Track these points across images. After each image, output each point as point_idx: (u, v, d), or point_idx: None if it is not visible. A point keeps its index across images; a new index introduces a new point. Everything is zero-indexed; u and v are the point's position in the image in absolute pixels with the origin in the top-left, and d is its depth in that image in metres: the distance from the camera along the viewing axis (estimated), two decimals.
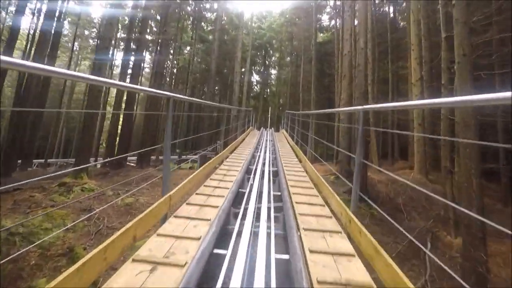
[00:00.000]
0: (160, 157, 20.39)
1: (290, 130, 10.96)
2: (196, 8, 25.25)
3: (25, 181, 1.31)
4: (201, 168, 4.11)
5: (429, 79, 10.58)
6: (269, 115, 25.06)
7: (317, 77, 22.30)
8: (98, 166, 15.34)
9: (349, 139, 9.15)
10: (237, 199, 3.22)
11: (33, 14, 19.48)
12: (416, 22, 10.28)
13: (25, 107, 13.67)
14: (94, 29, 27.93)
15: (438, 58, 9.70)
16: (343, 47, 10.13)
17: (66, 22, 24.72)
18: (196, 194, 3.39)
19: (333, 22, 27.75)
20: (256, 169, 4.60)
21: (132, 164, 16.31)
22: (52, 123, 26.31)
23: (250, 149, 6.71)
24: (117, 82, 2.15)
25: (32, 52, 16.06)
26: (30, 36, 18.44)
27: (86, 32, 30.05)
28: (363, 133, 2.63)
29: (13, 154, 10.87)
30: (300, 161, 5.75)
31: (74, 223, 3.92)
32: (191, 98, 4.36)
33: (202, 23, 26.70)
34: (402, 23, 21.83)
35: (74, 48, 27.81)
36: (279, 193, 3.35)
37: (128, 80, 18.05)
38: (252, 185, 3.69)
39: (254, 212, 2.59)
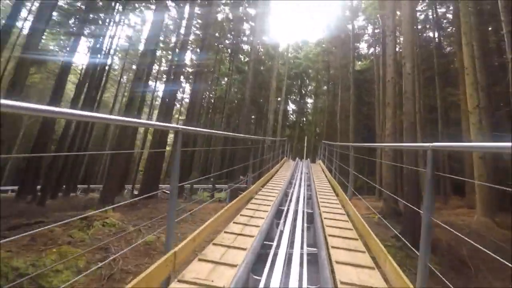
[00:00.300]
0: (196, 185, 20.36)
1: (327, 162, 10.16)
2: (234, 41, 26.20)
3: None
4: (222, 210, 3.59)
5: (487, 106, 9.34)
6: (305, 144, 24.29)
7: (356, 105, 21.40)
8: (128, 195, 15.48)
9: (395, 174, 8.11)
10: (261, 255, 2.60)
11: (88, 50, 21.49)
12: (470, 44, 9.30)
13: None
14: None
15: (497, 83, 8.56)
16: (386, 74, 9.42)
17: (116, 58, 26.94)
18: (213, 244, 2.84)
19: (371, 49, 27.08)
20: (288, 211, 3.96)
21: (167, 192, 16.28)
22: (97, 148, 27.99)
23: (282, 185, 6.09)
24: (117, 117, 1.75)
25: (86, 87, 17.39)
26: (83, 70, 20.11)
27: (134, 66, 32.54)
28: (433, 178, 1.91)
29: (50, 179, 11.31)
30: (340, 201, 4.98)
31: (86, 272, 3.53)
32: (205, 130, 3.88)
33: (240, 55, 27.53)
34: (448, 48, 20.52)
35: (122, 81, 29.97)
36: (314, 250, 2.66)
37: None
38: (281, 234, 3.04)
39: (280, 280, 1.95)
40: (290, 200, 4.68)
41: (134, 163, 28.29)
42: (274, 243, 2.78)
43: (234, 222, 3.48)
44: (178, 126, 2.16)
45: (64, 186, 16.77)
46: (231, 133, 7.65)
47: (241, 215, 3.87)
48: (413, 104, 6.48)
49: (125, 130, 8.26)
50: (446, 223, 7.47)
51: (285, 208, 4.07)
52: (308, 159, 14.24)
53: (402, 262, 5.09)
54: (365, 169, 25.95)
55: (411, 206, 4.11)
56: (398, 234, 3.62)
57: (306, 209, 4.09)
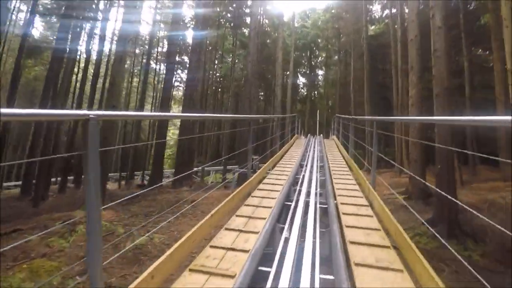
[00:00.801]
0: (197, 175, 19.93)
1: (342, 138, 9.22)
2: (236, 14, 24.63)
3: None
4: (220, 205, 2.86)
5: None
6: (317, 119, 23.14)
7: (370, 73, 19.88)
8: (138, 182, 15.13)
9: (422, 149, 7.06)
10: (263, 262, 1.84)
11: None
12: None
13: None
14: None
15: None
16: (408, 32, 8.13)
17: None
18: (211, 246, 2.14)
19: (386, 12, 24.92)
20: (296, 207, 3.16)
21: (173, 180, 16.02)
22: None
23: (291, 170, 5.28)
24: None
25: None
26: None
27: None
28: None
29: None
30: (362, 189, 4.13)
31: None
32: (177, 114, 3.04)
33: (243, 29, 25.97)
34: (473, 2, 18.40)
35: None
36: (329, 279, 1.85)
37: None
38: (287, 242, 2.25)
39: None
40: (300, 190, 3.87)
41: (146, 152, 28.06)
42: (278, 251, 2.03)
43: (227, 228, 2.72)
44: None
45: (73, 177, 16.59)
46: (221, 115, 6.80)
47: (240, 211, 3.13)
48: (446, 64, 5.35)
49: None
50: (483, 201, 6.53)
51: (293, 203, 3.27)
52: (321, 134, 13.30)
53: (437, 254, 4.27)
54: (381, 140, 24.75)
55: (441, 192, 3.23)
56: (426, 224, 2.78)
57: (319, 203, 3.27)
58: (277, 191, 3.68)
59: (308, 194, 3.67)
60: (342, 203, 3.39)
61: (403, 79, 14.01)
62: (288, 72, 22.50)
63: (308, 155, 7.06)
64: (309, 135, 13.51)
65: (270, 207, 3.16)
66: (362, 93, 22.64)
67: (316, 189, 3.87)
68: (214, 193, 7.14)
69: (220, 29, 23.84)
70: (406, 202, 6.26)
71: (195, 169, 25.82)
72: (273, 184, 4.07)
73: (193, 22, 24.42)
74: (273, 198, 3.52)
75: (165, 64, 22.20)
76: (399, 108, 14.73)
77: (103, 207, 1.51)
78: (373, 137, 3.49)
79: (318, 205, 3.10)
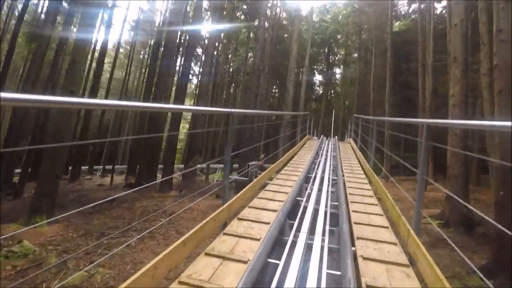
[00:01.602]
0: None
1: (360, 142, 7.82)
2: (251, 6, 23.31)
3: None
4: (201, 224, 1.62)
5: None
6: (333, 119, 21.56)
7: (393, 72, 18.16)
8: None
9: (464, 163, 5.54)
10: None
11: None
12: None
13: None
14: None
15: None
16: (452, 16, 6.60)
17: None
18: None
19: (413, 6, 22.99)
20: (287, 271, 1.88)
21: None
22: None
23: (294, 184, 4.00)
24: None
25: None
26: None
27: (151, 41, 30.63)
28: None
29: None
30: (390, 218, 2.81)
31: None
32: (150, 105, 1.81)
33: (257, 20, 24.60)
34: None
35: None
36: None
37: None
38: None
39: None
40: (300, 224, 2.60)
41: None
42: None
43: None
44: None
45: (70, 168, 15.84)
46: (212, 108, 5.64)
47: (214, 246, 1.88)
48: None
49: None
50: None
51: (281, 264, 1.98)
52: (336, 136, 11.87)
53: None
54: (400, 144, 22.99)
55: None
56: (480, 274, 1.46)
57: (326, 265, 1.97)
58: (256, 239, 2.36)
59: (312, 229, 2.39)
60: (364, 258, 2.08)
61: (434, 77, 12.35)
62: (303, 69, 20.98)
63: (319, 164, 5.73)
64: (322, 136, 12.11)
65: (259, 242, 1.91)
66: (383, 93, 20.91)
67: (324, 225, 2.56)
68: (202, 203, 5.92)
69: (235, 21, 22.60)
70: (442, 231, 4.80)
71: (199, 166, 24.82)
72: (255, 220, 2.74)
73: (209, 13, 23.33)
74: (266, 224, 2.27)
75: (180, 56, 21.15)
76: (427, 110, 13.08)
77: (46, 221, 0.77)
78: (421, 152, 2.14)
79: (324, 272, 1.79)
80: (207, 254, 2.03)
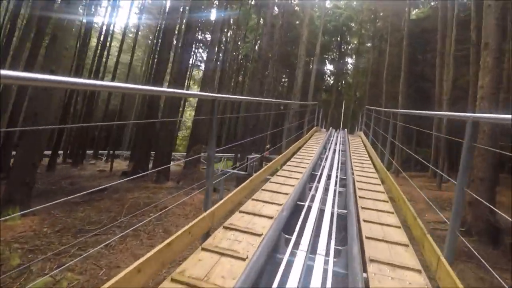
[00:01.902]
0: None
1: (372, 136, 7.25)
2: None
3: None
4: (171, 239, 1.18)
5: None
6: (343, 111, 20.80)
7: (408, 62, 17.23)
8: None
9: (493, 164, 4.87)
10: None
11: None
12: None
13: None
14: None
15: None
16: None
17: None
18: None
19: None
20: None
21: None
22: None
23: (297, 183, 3.52)
24: None
25: None
26: None
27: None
28: None
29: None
30: (411, 230, 2.31)
31: None
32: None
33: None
34: None
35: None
36: None
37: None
38: None
39: None
40: (299, 238, 2.12)
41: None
42: None
43: None
44: None
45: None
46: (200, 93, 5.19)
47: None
48: None
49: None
50: None
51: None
52: (346, 129, 11.25)
53: None
54: (412, 138, 22.15)
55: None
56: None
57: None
58: (242, 258, 1.90)
59: (312, 250, 1.91)
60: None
61: (455, 68, 11.49)
62: (314, 58, 20.08)
63: (326, 159, 5.22)
64: (331, 128, 11.51)
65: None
66: (396, 84, 20.02)
67: (328, 242, 2.08)
68: (198, 196, 5.49)
69: (245, 6, 21.74)
70: (465, 239, 4.25)
71: (202, 154, 24.42)
72: (244, 230, 2.27)
73: None
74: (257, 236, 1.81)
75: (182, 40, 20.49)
76: (445, 103, 12.28)
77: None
78: (463, 154, 1.61)
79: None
80: (173, 280, 1.58)
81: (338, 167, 4.69)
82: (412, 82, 21.07)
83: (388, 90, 20.70)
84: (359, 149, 6.90)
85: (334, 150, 6.36)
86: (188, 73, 23.91)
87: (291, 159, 5.09)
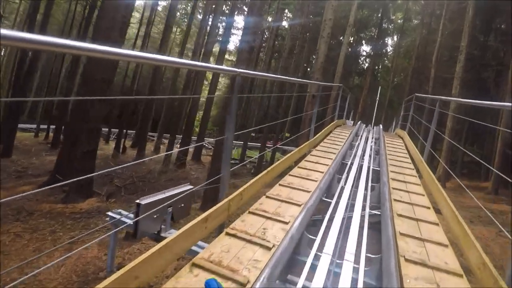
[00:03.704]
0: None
1: (430, 146, 4.24)
2: None
3: None
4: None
5: None
6: (377, 98, 17.18)
7: (472, 39, 13.29)
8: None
9: None
10: None
11: None
12: None
13: None
14: None
15: None
16: None
17: None
18: None
19: None
20: None
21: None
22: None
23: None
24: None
25: None
26: None
27: None
28: None
29: None
30: None
31: None
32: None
33: None
34: None
35: None
36: None
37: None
38: None
39: None
40: None
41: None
42: None
43: None
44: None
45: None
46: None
47: None
48: None
49: None
50: None
51: None
52: (380, 125, 8.13)
53: None
54: (461, 135, 18.23)
55: None
56: None
57: None
58: None
59: None
60: None
61: None
62: (346, 30, 16.36)
63: (335, 207, 2.42)
64: (360, 123, 8.43)
65: None
66: (449, 69, 16.10)
67: None
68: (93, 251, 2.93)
69: None
70: None
71: (212, 139, 22.05)
72: None
73: None
74: None
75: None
76: None
77: None
78: None
79: None
80: (194, 264, 1.39)
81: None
82: (469, 67, 16.93)
83: (438, 76, 16.80)
84: (403, 170, 3.94)
85: (358, 174, 3.51)
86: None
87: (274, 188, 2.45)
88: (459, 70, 12.49)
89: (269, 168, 2.91)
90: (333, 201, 2.55)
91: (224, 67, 2.15)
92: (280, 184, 2.93)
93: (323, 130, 5.65)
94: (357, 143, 5.18)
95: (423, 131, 12.26)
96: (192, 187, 2.82)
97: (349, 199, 2.61)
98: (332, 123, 6.75)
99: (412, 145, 5.14)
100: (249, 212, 2.10)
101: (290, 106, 21.31)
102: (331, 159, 4.04)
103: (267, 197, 2.53)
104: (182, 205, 2.77)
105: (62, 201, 5.29)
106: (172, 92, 19.36)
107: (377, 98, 16.50)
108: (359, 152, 4.53)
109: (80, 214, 4.84)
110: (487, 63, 17.36)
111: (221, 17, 21.18)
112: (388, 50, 30.42)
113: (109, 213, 2.72)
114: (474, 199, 2.51)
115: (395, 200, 2.83)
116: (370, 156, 4.38)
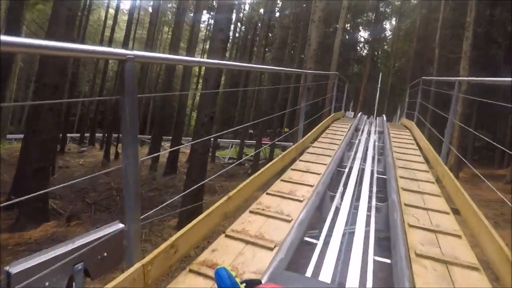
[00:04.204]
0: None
1: (446, 137, 3.34)
2: None
3: None
4: None
5: None
6: (378, 85, 16.17)
7: (480, 12, 12.27)
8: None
9: None
10: None
11: None
12: None
13: None
14: None
15: None
16: None
17: None
18: None
19: None
20: None
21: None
22: None
23: None
24: None
25: None
26: None
27: None
28: None
29: None
30: None
31: None
32: None
33: None
34: None
35: None
36: None
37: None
38: None
39: None
40: None
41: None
42: None
43: None
44: None
45: None
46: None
47: None
48: None
49: None
50: None
51: None
52: (383, 116, 7.25)
53: None
54: (470, 119, 17.16)
55: None
56: None
57: None
58: None
59: None
60: None
61: None
62: (341, 13, 15.31)
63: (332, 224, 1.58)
64: (361, 114, 7.55)
65: None
66: (454, 48, 15.07)
67: None
68: None
69: None
70: None
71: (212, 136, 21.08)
72: None
73: None
74: None
75: None
76: None
77: None
78: None
79: None
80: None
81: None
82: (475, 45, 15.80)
83: (442, 56, 15.76)
84: (416, 174, 3.09)
85: (360, 181, 2.68)
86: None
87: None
88: (467, 49, 11.48)
89: (230, 194, 2.08)
90: (319, 242, 1.72)
91: (109, 49, 1.18)
92: (251, 211, 2.11)
93: (316, 127, 4.80)
94: (357, 141, 4.32)
95: (429, 118, 11.36)
96: (122, 226, 1.99)
97: (343, 236, 1.78)
98: (328, 117, 5.89)
99: (424, 139, 4.27)
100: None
101: (288, 99, 20.42)
102: (325, 164, 3.21)
103: (226, 235, 1.73)
104: (105, 254, 1.95)
105: (9, 230, 4.51)
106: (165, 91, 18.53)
107: (378, 86, 15.50)
108: (360, 153, 3.67)
109: (27, 245, 4.09)
110: (494, 40, 16.24)
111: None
112: (387, 34, 29.25)
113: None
114: (498, 193, 2.11)
115: (411, 226, 2.00)
116: (373, 158, 3.53)
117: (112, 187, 7.50)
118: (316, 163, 3.26)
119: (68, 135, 22.68)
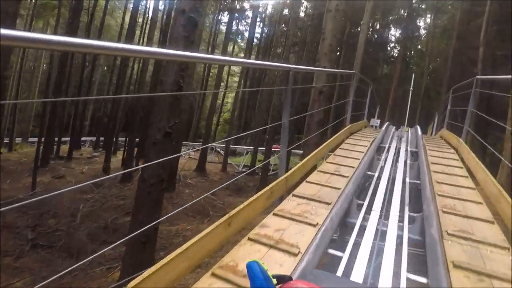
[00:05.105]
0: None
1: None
2: None
3: None
4: None
5: None
6: (411, 88, 14.20)
7: None
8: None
9: None
10: None
11: None
12: None
13: None
14: None
15: None
16: None
17: None
18: None
19: None
20: None
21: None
22: None
23: None
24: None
25: None
26: None
27: None
28: None
29: None
30: None
31: None
32: None
33: None
34: None
35: None
36: None
37: None
38: None
39: None
40: None
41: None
42: None
43: None
44: None
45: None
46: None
47: None
48: None
49: None
50: None
51: None
52: (418, 128, 5.64)
53: None
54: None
55: None
56: None
57: None
58: None
59: None
60: None
61: None
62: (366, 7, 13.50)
63: None
64: (388, 124, 5.99)
65: None
66: (504, 44, 12.89)
67: None
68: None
69: None
70: None
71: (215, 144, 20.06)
72: None
73: None
74: None
75: None
76: None
77: None
78: None
79: None
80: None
81: None
82: None
83: (487, 54, 13.56)
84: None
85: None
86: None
87: None
88: None
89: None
90: None
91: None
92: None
93: (319, 148, 3.40)
94: (376, 173, 2.86)
95: (469, 129, 9.41)
96: None
97: None
98: (341, 131, 4.43)
99: (485, 171, 2.72)
100: None
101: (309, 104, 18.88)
102: (316, 225, 1.84)
103: None
104: None
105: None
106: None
107: (411, 88, 13.56)
108: (378, 204, 2.23)
109: None
110: None
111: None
112: (421, 32, 26.72)
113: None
114: None
115: None
116: (404, 212, 2.08)
117: (80, 210, 6.23)
118: (306, 216, 1.89)
119: (84, 138, 22.61)
